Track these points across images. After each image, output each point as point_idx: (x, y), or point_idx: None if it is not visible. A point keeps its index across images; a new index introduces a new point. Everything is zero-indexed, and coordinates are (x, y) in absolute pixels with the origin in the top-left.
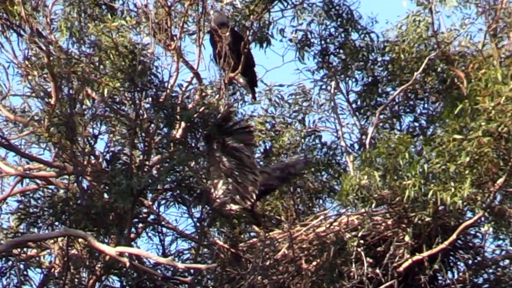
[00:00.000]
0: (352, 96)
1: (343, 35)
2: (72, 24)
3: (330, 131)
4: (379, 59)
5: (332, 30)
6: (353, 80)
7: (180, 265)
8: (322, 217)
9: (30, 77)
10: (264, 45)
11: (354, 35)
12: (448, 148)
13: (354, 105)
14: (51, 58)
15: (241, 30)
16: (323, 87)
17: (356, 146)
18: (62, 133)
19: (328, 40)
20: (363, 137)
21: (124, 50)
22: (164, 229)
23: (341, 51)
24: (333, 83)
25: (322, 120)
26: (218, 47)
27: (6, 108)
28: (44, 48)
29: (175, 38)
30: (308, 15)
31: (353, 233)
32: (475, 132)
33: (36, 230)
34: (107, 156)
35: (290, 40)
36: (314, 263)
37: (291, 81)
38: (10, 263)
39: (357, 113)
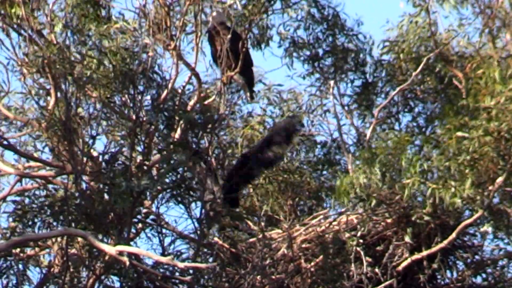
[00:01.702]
0: (346, 99)
1: (330, 38)
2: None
3: (325, 135)
4: (369, 59)
5: (320, 34)
6: (347, 81)
7: (180, 265)
8: (321, 216)
9: (29, 76)
10: (263, 46)
11: (342, 38)
12: (449, 146)
13: (350, 107)
14: (50, 57)
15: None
16: (316, 92)
17: (353, 148)
18: (60, 134)
19: (316, 45)
20: (361, 137)
21: (124, 52)
22: (164, 230)
23: (331, 54)
24: (332, 82)
25: (315, 124)
26: (216, 47)
27: (4, 107)
28: (43, 47)
29: (174, 38)
30: (293, 20)
31: (352, 233)
32: (476, 130)
33: (31, 230)
34: (106, 157)
35: (280, 43)
36: (313, 262)
37: (286, 86)
38: (8, 262)
39: (352, 114)
